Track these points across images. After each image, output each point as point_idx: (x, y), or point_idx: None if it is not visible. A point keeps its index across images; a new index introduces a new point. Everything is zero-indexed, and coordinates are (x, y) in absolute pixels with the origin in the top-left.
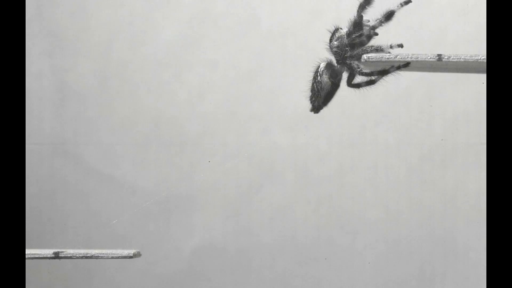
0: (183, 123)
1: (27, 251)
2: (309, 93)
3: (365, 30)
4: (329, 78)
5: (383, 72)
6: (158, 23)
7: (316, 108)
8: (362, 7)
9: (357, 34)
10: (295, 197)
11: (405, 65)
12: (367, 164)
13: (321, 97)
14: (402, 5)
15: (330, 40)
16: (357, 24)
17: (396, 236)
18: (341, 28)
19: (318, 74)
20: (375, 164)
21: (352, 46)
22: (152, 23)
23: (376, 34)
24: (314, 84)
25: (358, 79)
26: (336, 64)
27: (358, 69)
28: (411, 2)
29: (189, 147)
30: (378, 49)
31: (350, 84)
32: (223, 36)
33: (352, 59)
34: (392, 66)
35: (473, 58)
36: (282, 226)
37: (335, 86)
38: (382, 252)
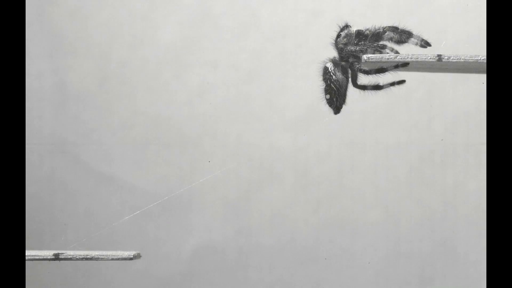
0: (183, 123)
1: (27, 253)
2: (326, 98)
3: (378, 44)
4: (343, 75)
5: (381, 70)
6: (158, 24)
7: (338, 109)
8: (393, 31)
9: (371, 45)
10: (295, 197)
11: (403, 65)
12: (367, 164)
13: (342, 95)
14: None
15: (338, 36)
16: (377, 35)
17: (396, 236)
18: (350, 26)
19: (332, 73)
20: (375, 164)
21: (358, 46)
22: (152, 23)
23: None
24: (331, 84)
25: (365, 80)
26: (340, 61)
27: (358, 66)
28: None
29: (189, 147)
30: (381, 48)
31: (355, 84)
32: (223, 36)
33: (353, 57)
34: (391, 65)
35: (473, 58)
36: (282, 226)
37: (347, 82)
38: (382, 252)
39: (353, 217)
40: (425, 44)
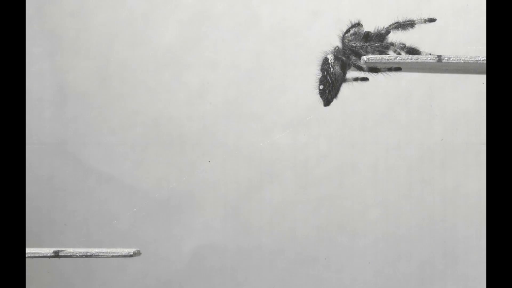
0: (183, 123)
1: (27, 250)
2: (319, 88)
3: (381, 44)
4: (341, 69)
5: (374, 70)
6: (158, 23)
7: (329, 101)
8: (396, 27)
9: (375, 44)
10: (295, 197)
11: (396, 69)
12: (367, 164)
13: (335, 88)
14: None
15: (347, 31)
16: (380, 36)
17: (396, 236)
18: (362, 25)
19: (330, 65)
20: (375, 164)
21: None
22: (152, 23)
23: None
24: (328, 76)
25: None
26: (342, 56)
27: (353, 60)
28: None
29: (189, 147)
30: (385, 48)
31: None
32: (223, 36)
33: (354, 54)
34: (385, 67)
35: (473, 59)
36: (282, 226)
37: (344, 77)
38: (382, 252)
39: (353, 217)
40: (429, 21)
